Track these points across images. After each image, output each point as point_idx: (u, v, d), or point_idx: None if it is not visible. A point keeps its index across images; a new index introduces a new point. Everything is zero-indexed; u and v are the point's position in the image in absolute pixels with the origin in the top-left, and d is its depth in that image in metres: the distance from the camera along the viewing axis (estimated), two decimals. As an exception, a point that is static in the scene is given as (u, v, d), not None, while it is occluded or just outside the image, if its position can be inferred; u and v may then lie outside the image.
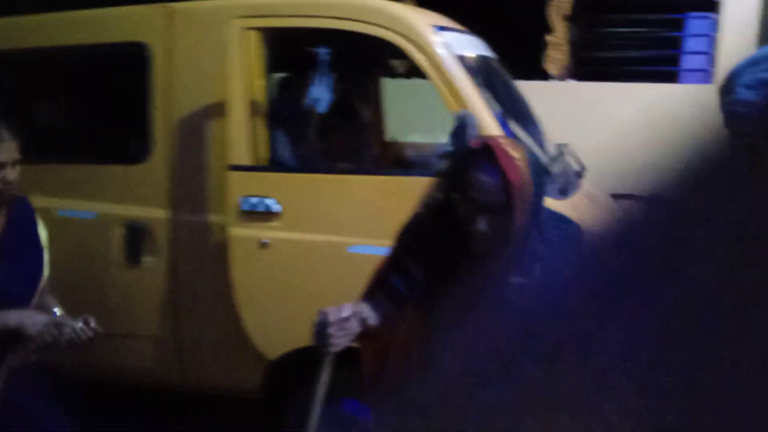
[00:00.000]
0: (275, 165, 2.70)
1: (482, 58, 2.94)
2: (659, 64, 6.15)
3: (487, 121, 2.39)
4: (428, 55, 2.43)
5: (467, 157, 1.48)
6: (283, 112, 2.86)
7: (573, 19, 6.05)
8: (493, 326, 1.46)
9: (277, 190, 2.58)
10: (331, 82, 2.47)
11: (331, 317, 1.44)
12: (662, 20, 6.13)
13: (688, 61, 6.20)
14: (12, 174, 1.83)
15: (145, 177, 2.80)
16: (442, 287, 1.52)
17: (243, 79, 2.54)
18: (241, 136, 2.54)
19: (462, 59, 2.57)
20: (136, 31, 2.79)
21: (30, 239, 1.98)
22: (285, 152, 2.82)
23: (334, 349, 1.46)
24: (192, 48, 2.67)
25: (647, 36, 6.21)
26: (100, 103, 3.20)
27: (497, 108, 2.57)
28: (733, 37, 5.44)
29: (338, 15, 2.49)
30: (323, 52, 2.44)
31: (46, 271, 1.99)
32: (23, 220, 1.97)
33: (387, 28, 2.45)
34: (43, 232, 2.03)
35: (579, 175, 2.71)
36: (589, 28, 6.23)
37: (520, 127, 2.70)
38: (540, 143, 3.07)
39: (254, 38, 2.58)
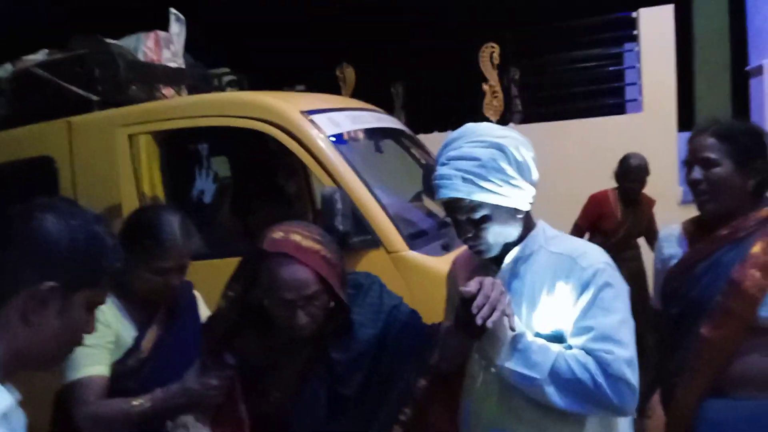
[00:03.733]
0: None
1: (371, 132, 3.12)
2: (604, 98, 6.36)
3: (359, 193, 2.55)
4: (297, 139, 2.60)
5: (266, 261, 1.44)
6: (187, 205, 3.04)
7: (516, 64, 6.31)
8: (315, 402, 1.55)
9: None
10: (213, 175, 2.64)
11: None
12: (600, 54, 6.36)
13: (629, 93, 6.40)
14: (179, 278, 1.76)
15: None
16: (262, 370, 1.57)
17: (134, 179, 2.73)
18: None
19: (339, 138, 2.75)
20: (43, 146, 3.01)
21: (192, 324, 1.84)
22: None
23: None
24: (89, 157, 2.87)
25: (590, 72, 6.40)
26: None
27: (375, 178, 2.73)
28: (655, 67, 5.65)
29: (211, 113, 2.70)
30: (202, 147, 2.62)
31: None
32: (185, 306, 1.88)
33: (256, 119, 2.64)
34: (201, 308, 1.93)
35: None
36: (531, 71, 6.47)
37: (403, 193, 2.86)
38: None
39: (144, 141, 2.77)
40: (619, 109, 6.24)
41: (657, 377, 1.85)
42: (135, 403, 1.60)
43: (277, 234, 1.46)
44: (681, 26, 5.89)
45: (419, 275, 2.43)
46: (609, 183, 5.66)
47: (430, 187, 3.31)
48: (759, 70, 5.72)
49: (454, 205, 1.41)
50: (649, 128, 5.62)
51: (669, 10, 5.59)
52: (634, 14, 5.72)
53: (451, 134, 1.45)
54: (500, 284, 1.27)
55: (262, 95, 2.82)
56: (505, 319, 1.25)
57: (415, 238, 2.63)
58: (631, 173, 3.99)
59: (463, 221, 1.41)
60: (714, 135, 1.69)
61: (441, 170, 1.41)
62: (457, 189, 1.37)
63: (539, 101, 6.46)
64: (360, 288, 1.60)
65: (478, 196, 1.36)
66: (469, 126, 1.46)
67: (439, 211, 3.25)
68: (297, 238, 1.44)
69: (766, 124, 5.62)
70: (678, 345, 1.71)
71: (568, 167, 5.45)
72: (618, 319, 1.35)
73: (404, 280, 2.41)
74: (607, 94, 6.39)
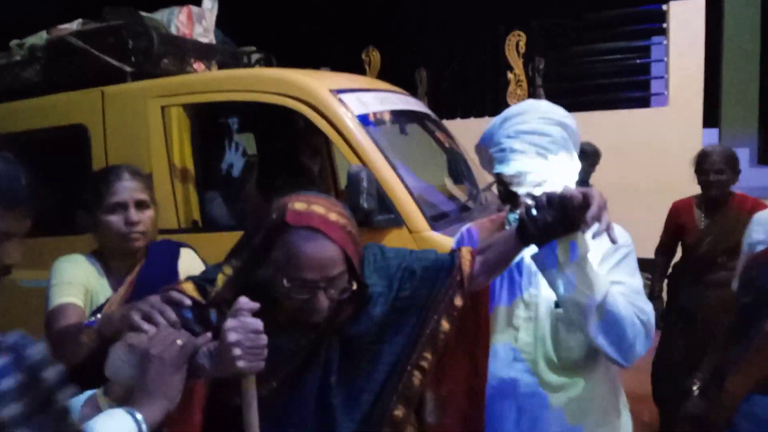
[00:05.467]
0: (207, 226, 2.91)
1: (397, 114, 3.15)
2: (629, 90, 6.33)
3: (385, 173, 2.59)
4: (325, 117, 2.65)
5: (286, 235, 1.24)
6: (216, 177, 3.10)
7: (541, 54, 6.29)
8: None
9: (207, 250, 2.78)
10: (242, 149, 2.69)
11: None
12: (627, 47, 6.32)
13: (654, 86, 6.36)
14: (137, 215, 1.75)
15: (92, 246, 3.04)
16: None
17: (165, 150, 2.79)
18: (165, 201, 2.76)
19: (365, 118, 2.78)
20: (77, 114, 3.07)
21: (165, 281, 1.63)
22: (217, 213, 3.04)
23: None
24: (122, 126, 2.94)
25: (616, 64, 6.37)
26: (52, 181, 3.46)
27: (400, 159, 2.77)
28: (682, 61, 5.60)
29: (241, 88, 2.74)
30: (232, 122, 2.66)
31: None
32: (160, 264, 1.85)
33: (286, 96, 2.68)
34: (185, 266, 1.87)
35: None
36: (556, 61, 6.45)
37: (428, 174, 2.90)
38: (464, 187, 3.27)
39: (175, 113, 2.83)
40: (644, 102, 6.21)
41: (720, 363, 1.80)
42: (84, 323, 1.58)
43: (299, 205, 1.25)
44: (710, 20, 5.82)
45: (440, 255, 2.47)
46: (631, 175, 5.65)
47: (455, 170, 3.33)
48: (789, 69, 5.66)
49: (518, 179, 1.43)
50: (674, 122, 5.59)
51: (700, 3, 5.54)
52: (664, 7, 5.67)
53: (512, 108, 1.51)
54: (604, 196, 1.26)
55: (292, 72, 2.86)
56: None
57: (437, 220, 2.67)
58: (708, 165, 3.04)
59: (523, 195, 1.44)
60: None
61: (510, 143, 1.45)
62: (531, 164, 1.42)
63: (563, 92, 6.43)
64: (362, 257, 1.41)
65: (548, 172, 1.41)
66: (532, 102, 1.51)
67: (462, 195, 3.29)
68: (321, 210, 1.25)
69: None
70: (743, 334, 1.67)
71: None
72: (641, 284, 1.44)
73: (425, 260, 2.46)
74: (633, 86, 6.36)
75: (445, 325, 1.37)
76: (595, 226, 1.24)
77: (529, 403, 1.49)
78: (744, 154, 7.40)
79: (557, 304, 1.45)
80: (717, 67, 7.20)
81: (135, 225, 1.76)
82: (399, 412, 1.36)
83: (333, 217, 1.25)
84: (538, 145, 1.42)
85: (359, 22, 8.03)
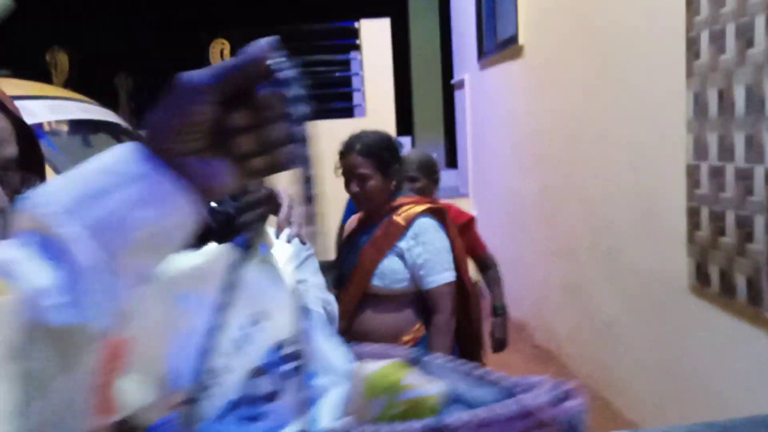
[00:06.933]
0: None
1: (76, 124, 2.88)
2: (337, 101, 6.69)
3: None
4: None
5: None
6: None
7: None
8: None
9: None
10: None
11: None
12: (331, 60, 6.68)
13: (355, 98, 6.84)
14: None
15: None
16: None
17: None
18: None
19: (37, 129, 2.48)
20: None
21: None
22: None
23: None
24: None
25: (322, 76, 6.68)
26: None
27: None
28: (375, 74, 6.13)
29: None
30: None
31: None
32: None
33: None
34: None
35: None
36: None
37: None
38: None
39: None
40: (348, 112, 6.65)
41: None
42: None
43: None
44: (401, 39, 6.48)
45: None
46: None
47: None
48: (461, 84, 6.55)
49: None
50: (372, 131, 6.07)
51: (386, 23, 6.11)
52: (356, 24, 6.13)
53: None
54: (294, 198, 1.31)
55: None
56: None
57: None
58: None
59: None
60: (361, 154, 2.06)
61: None
62: None
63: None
64: None
65: None
66: None
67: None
68: None
69: (468, 131, 6.47)
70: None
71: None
72: (324, 282, 1.54)
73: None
74: (339, 98, 6.77)
75: None
76: (288, 230, 1.28)
77: None
78: (434, 158, 8.41)
79: None
80: (408, 79, 8.03)
81: None
82: None
83: None
84: None
85: (44, 19, 7.19)
